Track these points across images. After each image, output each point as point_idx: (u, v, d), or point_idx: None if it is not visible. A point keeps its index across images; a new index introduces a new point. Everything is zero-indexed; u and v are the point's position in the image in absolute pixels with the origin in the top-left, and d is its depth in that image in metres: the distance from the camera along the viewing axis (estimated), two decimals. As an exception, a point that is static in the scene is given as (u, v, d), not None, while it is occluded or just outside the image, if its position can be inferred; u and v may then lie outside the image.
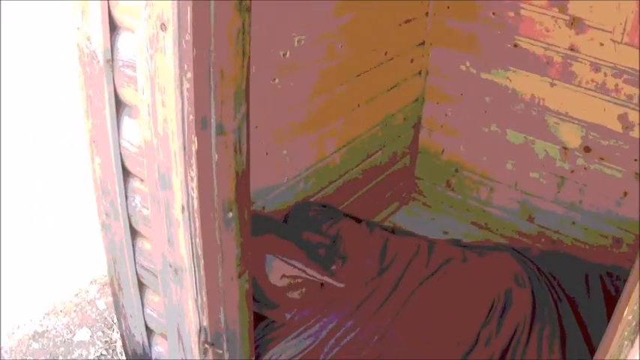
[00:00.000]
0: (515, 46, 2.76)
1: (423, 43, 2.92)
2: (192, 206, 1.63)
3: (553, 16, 2.61)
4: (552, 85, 2.75)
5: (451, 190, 3.27)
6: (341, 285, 2.18)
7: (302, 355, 2.09)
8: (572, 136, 2.80)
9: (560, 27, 2.61)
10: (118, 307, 2.22)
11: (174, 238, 1.74)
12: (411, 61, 2.89)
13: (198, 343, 1.90)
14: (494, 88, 2.90)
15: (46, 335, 2.80)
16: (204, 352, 1.92)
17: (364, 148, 2.89)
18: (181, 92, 1.46)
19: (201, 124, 1.51)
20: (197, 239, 1.69)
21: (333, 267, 2.21)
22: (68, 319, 2.87)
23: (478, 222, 3.23)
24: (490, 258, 2.47)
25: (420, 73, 3.00)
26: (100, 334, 2.75)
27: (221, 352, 1.92)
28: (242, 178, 1.69)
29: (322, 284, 2.21)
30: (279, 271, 2.07)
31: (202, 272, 1.75)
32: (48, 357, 2.66)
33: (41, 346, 2.75)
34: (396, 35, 2.72)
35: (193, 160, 1.55)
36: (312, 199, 2.67)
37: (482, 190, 3.15)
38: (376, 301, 2.21)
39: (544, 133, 2.86)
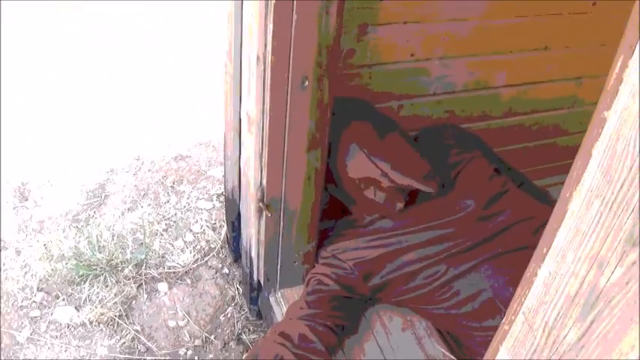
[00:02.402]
0: None
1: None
2: (267, 59, 1.81)
3: None
4: None
5: None
6: (431, 190, 2.15)
7: (358, 261, 2.20)
8: None
9: None
10: (225, 148, 2.52)
11: (251, 87, 1.95)
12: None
13: (256, 200, 2.13)
14: None
15: (187, 160, 3.25)
16: (259, 211, 2.14)
17: (544, 99, 2.78)
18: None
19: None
20: (267, 94, 1.87)
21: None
22: (215, 155, 3.28)
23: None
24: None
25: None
26: (230, 178, 3.12)
27: (272, 216, 2.11)
28: (325, 51, 1.81)
29: (407, 200, 2.26)
30: (361, 168, 2.14)
31: (267, 130, 1.94)
32: (171, 177, 3.11)
33: (178, 167, 3.21)
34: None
35: (271, 13, 1.72)
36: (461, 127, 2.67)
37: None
38: (457, 245, 2.22)
39: None
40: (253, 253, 2.30)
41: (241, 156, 2.32)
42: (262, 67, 1.84)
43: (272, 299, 2.30)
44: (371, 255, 2.18)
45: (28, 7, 4.58)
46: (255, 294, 2.43)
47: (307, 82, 1.87)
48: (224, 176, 2.58)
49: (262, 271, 2.27)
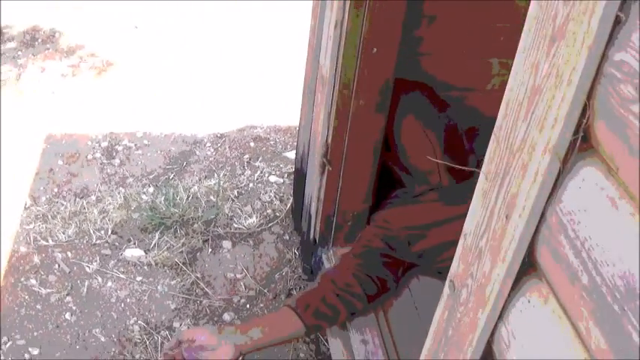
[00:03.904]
0: None
1: None
2: (344, 25, 2.14)
3: None
4: None
5: None
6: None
7: (406, 226, 2.45)
8: None
9: None
10: (300, 117, 2.85)
11: (327, 50, 2.28)
12: None
13: (320, 156, 2.44)
14: None
15: (265, 142, 3.61)
16: (322, 165, 2.45)
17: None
18: None
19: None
20: (340, 57, 2.20)
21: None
22: (291, 140, 3.63)
23: None
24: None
25: None
26: (303, 162, 3.44)
27: (332, 171, 2.41)
28: (394, 26, 2.13)
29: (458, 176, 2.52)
30: (417, 138, 2.45)
31: (337, 89, 2.26)
32: (249, 154, 3.47)
33: (256, 147, 3.57)
34: None
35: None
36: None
37: None
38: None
39: None
40: (312, 210, 2.60)
41: (313, 120, 2.63)
42: (339, 32, 2.18)
43: (324, 256, 2.59)
44: (418, 222, 2.45)
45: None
46: (309, 252, 2.72)
47: (375, 49, 2.18)
48: (296, 145, 2.91)
49: (318, 228, 2.57)
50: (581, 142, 0.88)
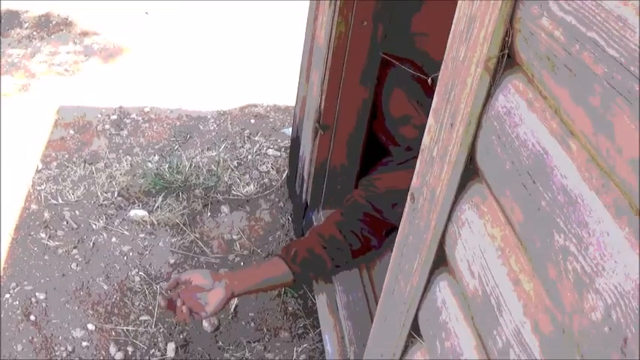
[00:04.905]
0: None
1: None
2: (337, 1, 2.36)
3: None
4: None
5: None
6: None
7: (390, 189, 2.66)
8: None
9: None
10: (298, 89, 3.08)
11: (323, 23, 2.51)
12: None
13: (313, 122, 2.66)
14: None
15: (264, 119, 3.85)
16: (315, 131, 2.67)
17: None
18: None
19: None
20: (334, 28, 2.42)
21: None
22: (289, 118, 3.86)
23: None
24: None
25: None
26: (300, 139, 3.66)
27: (325, 134, 2.64)
28: (382, 4, 2.35)
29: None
30: (400, 105, 2.67)
31: (330, 58, 2.48)
32: (249, 130, 3.70)
33: (256, 123, 3.80)
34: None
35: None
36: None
37: None
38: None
39: None
40: (305, 173, 2.82)
41: (308, 90, 2.85)
42: (333, 8, 2.39)
43: (314, 218, 2.82)
44: (401, 186, 2.65)
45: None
46: (301, 215, 2.94)
47: (365, 22, 2.40)
48: (293, 115, 3.14)
49: (310, 190, 2.79)
50: (508, 61, 1.11)
